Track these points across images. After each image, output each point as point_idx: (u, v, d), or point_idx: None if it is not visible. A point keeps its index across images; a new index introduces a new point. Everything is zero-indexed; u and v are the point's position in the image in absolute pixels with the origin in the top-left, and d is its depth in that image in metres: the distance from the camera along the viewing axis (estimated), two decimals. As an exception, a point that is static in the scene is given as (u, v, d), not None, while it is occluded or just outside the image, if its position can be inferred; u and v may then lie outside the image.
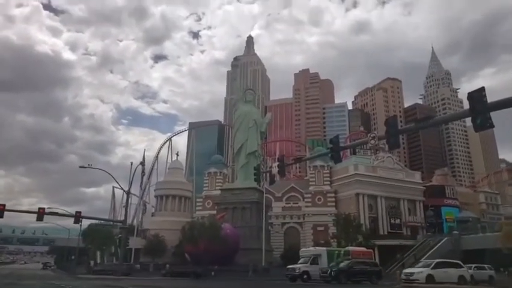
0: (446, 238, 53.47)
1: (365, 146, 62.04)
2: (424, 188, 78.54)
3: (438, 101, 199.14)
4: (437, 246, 51.31)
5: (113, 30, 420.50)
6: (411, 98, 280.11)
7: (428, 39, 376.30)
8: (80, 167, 43.65)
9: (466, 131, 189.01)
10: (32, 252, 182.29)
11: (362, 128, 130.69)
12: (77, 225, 54.92)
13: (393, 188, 72.74)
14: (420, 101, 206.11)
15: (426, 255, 47.82)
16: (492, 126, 12.81)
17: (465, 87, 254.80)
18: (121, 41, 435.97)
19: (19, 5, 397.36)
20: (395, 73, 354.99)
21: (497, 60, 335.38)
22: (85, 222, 68.10)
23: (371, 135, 18.99)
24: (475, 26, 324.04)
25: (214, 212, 66.64)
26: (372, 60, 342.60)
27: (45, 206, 42.59)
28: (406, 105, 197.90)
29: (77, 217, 42.39)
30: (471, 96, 13.05)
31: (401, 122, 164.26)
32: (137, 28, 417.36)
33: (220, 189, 72.27)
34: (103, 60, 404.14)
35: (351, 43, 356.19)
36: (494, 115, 12.82)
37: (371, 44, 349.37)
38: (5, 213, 35.65)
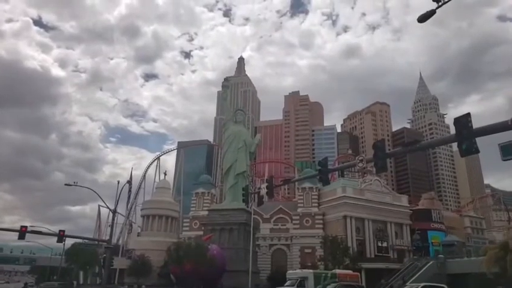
0: (431, 262, 53.49)
1: (353, 168, 62.47)
2: (411, 211, 78.95)
3: (425, 126, 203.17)
4: (423, 269, 51.24)
5: (104, 48, 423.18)
6: (399, 122, 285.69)
7: (416, 65, 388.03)
8: (66, 184, 42.92)
9: (452, 156, 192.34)
10: (13, 271, 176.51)
11: (350, 151, 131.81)
12: (61, 244, 53.63)
13: (381, 211, 72.99)
14: (408, 125, 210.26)
15: (412, 279, 47.67)
16: (477, 151, 13.18)
17: (452, 112, 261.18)
18: (111, 59, 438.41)
19: (9, 20, 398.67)
20: (383, 97, 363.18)
21: (483, 87, 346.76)
22: (69, 242, 66.62)
23: (359, 158, 19.27)
24: (462, 54, 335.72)
25: (201, 232, 65.74)
26: (361, 84, 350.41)
27: (28, 224, 41.70)
28: (394, 129, 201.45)
29: (61, 236, 41.50)
30: (457, 121, 13.45)
31: (388, 145, 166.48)
32: (128, 46, 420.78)
33: (208, 210, 71.55)
34: (92, 78, 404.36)
35: (341, 67, 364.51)
36: (480, 141, 13.22)
37: (360, 68, 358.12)
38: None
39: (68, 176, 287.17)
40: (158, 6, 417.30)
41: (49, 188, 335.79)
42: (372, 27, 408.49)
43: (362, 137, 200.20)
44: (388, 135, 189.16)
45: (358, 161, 19.07)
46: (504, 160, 12.59)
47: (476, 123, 13.30)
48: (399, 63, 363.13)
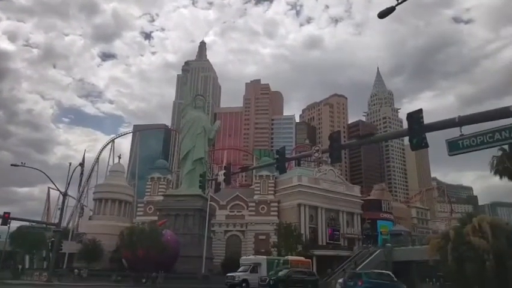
0: (379, 250, 56.30)
1: (309, 158, 64.04)
2: (362, 201, 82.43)
3: (380, 119, 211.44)
4: (371, 257, 53.81)
5: (59, 23, 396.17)
6: (355, 115, 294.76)
7: (375, 59, 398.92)
8: (12, 165, 40.49)
9: (403, 149, 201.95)
10: None
11: (307, 141, 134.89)
12: (5, 227, 50.85)
13: (334, 200, 75.58)
14: (363, 118, 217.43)
15: (360, 266, 49.95)
16: (427, 146, 13.80)
17: (406, 108, 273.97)
18: (67, 35, 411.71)
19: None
20: (342, 90, 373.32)
21: (435, 85, 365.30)
22: (15, 224, 63.10)
23: (315, 148, 19.61)
24: (418, 51, 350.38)
25: (156, 218, 64.65)
26: (321, 76, 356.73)
27: (-31, 205, 38.91)
28: (350, 121, 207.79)
29: (5, 218, 39.63)
30: (410, 116, 13.98)
31: (344, 137, 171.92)
32: (85, 23, 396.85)
33: (163, 195, 70.41)
34: (45, 54, 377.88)
35: (303, 58, 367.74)
36: (430, 136, 13.83)
37: (321, 60, 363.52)
38: None
39: (16, 156, 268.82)
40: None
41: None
42: (335, 20, 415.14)
43: (319, 128, 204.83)
44: (344, 127, 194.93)
45: (314, 151, 19.41)
46: (450, 155, 13.29)
47: (428, 119, 13.88)
48: (359, 57, 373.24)
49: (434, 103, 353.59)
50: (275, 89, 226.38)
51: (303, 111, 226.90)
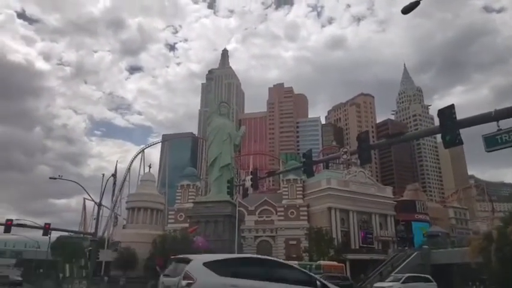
0: (416, 252, 54.38)
1: (337, 160, 62.91)
2: (395, 202, 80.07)
3: (409, 117, 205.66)
4: (407, 260, 52.03)
5: (89, 40, 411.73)
6: (383, 114, 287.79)
7: (401, 56, 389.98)
8: (51, 178, 42.48)
9: (436, 147, 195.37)
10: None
11: (334, 143, 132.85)
12: (46, 238, 52.98)
13: (365, 202, 73.78)
14: (392, 117, 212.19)
15: (396, 270, 48.37)
16: (461, 143, 13.10)
17: (437, 104, 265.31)
18: (96, 51, 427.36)
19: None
20: (368, 89, 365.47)
21: (468, 78, 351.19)
22: (55, 235, 65.70)
23: (343, 150, 19.14)
24: (447, 45, 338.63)
25: (187, 225, 65.33)
26: (346, 75, 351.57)
27: (14, 218, 40.93)
28: (378, 120, 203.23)
29: (46, 229, 41.14)
30: (441, 113, 13.35)
31: (373, 137, 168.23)
32: (113, 39, 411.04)
33: (193, 202, 71.06)
34: (77, 71, 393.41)
35: (326, 59, 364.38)
36: (464, 132, 13.12)
37: (345, 60, 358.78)
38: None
39: (53, 169, 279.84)
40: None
41: (34, 181, 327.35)
42: (357, 19, 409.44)
43: (346, 129, 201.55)
44: (372, 127, 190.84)
45: (342, 152, 18.96)
46: (488, 151, 12.54)
47: (461, 115, 13.20)
48: (384, 55, 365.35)
49: (467, 98, 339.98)
50: (299, 92, 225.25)
51: (329, 112, 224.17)
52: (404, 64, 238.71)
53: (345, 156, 18.85)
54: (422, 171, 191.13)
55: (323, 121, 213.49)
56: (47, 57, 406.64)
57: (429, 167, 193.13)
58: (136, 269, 66.45)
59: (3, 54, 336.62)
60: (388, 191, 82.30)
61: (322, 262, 45.27)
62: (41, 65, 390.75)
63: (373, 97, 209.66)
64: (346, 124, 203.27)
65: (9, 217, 41.18)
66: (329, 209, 69.78)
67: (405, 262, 51.45)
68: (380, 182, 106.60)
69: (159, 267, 53.65)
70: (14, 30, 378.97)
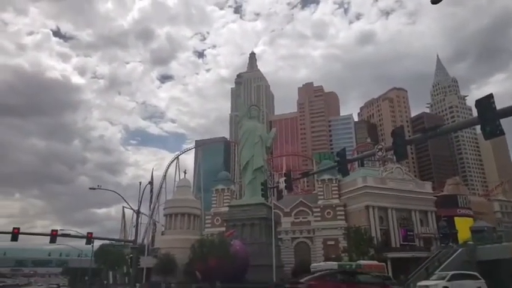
0: (460, 249, 52.14)
1: (373, 157, 61.64)
2: (435, 198, 77.22)
3: (446, 109, 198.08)
4: (451, 257, 49.99)
5: (120, 53, 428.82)
6: (418, 108, 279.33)
7: (433, 47, 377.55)
8: (90, 188, 44.18)
9: (476, 139, 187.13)
10: (46, 274, 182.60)
11: (369, 140, 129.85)
12: (89, 246, 55.01)
13: (404, 199, 71.63)
14: (427, 110, 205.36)
15: (440, 267, 46.58)
16: (502, 133, 12.53)
17: (474, 94, 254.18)
18: (128, 63, 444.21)
19: (30, 33, 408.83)
20: (400, 83, 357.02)
21: (507, 65, 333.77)
22: (97, 243, 68.36)
23: (378, 147, 18.79)
24: (482, 32, 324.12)
25: (223, 229, 66.11)
26: (377, 71, 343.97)
27: (58, 228, 43.03)
28: (413, 114, 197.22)
29: (89, 238, 42.74)
30: (479, 103, 12.85)
31: (408, 132, 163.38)
32: (143, 50, 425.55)
33: (228, 206, 71.79)
34: (110, 83, 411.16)
35: (355, 55, 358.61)
36: (506, 121, 12.56)
37: (375, 55, 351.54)
38: (20, 235, 35.98)
39: (93, 180, 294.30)
40: (169, 8, 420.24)
41: (75, 192, 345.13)
42: (386, 13, 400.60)
43: (380, 125, 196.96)
44: (407, 121, 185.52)
45: (377, 149, 18.61)
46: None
47: (501, 104, 12.65)
48: (416, 47, 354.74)
49: (507, 85, 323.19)
50: (329, 90, 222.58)
51: (361, 109, 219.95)
52: (437, 55, 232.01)
53: (380, 153, 18.48)
54: (463, 164, 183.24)
55: (356, 118, 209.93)
56: (82, 71, 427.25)
57: (469, 159, 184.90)
58: (175, 275, 67.91)
59: (41, 72, 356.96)
60: (427, 186, 79.50)
61: (362, 262, 44.34)
62: (76, 79, 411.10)
63: (406, 91, 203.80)
64: (380, 120, 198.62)
65: (54, 227, 43.32)
66: (367, 207, 68.36)
67: (449, 259, 49.45)
68: (418, 178, 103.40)
69: (199, 272, 54.68)
70: (50, 48, 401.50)
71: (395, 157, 18.77)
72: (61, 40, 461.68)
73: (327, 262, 45.50)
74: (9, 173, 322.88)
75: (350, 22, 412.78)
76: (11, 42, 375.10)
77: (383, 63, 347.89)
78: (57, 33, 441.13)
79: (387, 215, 69.58)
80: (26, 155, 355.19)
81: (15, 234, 35.76)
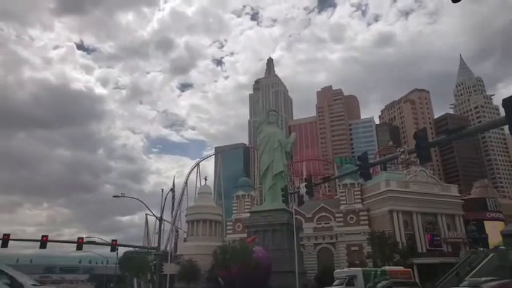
0: (492, 254, 50.18)
1: (395, 161, 60.27)
2: (462, 201, 74.84)
3: (471, 110, 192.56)
4: (483, 262, 48.16)
5: (141, 63, 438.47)
6: (441, 109, 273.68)
7: (456, 46, 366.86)
8: (114, 196, 44.97)
9: (504, 139, 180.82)
10: (74, 280, 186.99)
11: (391, 143, 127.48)
12: (114, 253, 55.91)
13: (429, 203, 69.69)
14: (451, 111, 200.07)
15: (472, 273, 44.93)
16: (532, 133, 11.99)
17: (502, 93, 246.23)
18: (148, 73, 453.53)
19: (55, 47, 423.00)
20: (422, 84, 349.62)
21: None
22: (121, 250, 69.47)
23: (401, 150, 18.38)
24: (507, 28, 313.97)
25: (245, 235, 65.95)
26: (397, 72, 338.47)
27: (84, 236, 43.81)
28: (436, 116, 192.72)
29: (113, 245, 43.44)
30: (506, 102, 12.36)
31: (431, 133, 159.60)
32: (163, 59, 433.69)
33: (249, 212, 71.72)
34: (132, 93, 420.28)
35: (375, 57, 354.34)
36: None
37: (395, 56, 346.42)
38: (48, 243, 37.01)
39: (117, 188, 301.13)
40: (188, 17, 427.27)
41: (100, 200, 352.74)
42: (405, 13, 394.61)
43: (402, 127, 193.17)
44: (430, 123, 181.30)
45: (400, 152, 18.19)
46: None
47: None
48: (437, 47, 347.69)
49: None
50: (349, 93, 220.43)
51: (382, 111, 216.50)
52: (460, 54, 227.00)
53: (402, 156, 18.07)
54: (491, 165, 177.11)
55: (377, 121, 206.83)
56: (104, 82, 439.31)
57: (498, 160, 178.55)
58: (198, 281, 68.12)
59: (66, 84, 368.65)
60: (453, 189, 77.14)
61: (387, 268, 43.28)
62: (99, 90, 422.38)
63: (428, 92, 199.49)
64: (402, 122, 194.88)
65: (81, 235, 44.36)
66: (390, 212, 66.90)
67: (480, 264, 47.65)
68: (443, 181, 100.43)
69: (221, 278, 54.68)
70: (74, 61, 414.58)
71: (418, 160, 18.27)
72: (84, 53, 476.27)
73: (351, 268, 44.61)
74: (38, 183, 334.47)
75: (368, 24, 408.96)
76: (38, 57, 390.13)
77: (403, 65, 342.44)
78: (80, 46, 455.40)
79: (412, 219, 67.87)
80: (53, 165, 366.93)
81: (43, 242, 36.83)
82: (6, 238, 35.57)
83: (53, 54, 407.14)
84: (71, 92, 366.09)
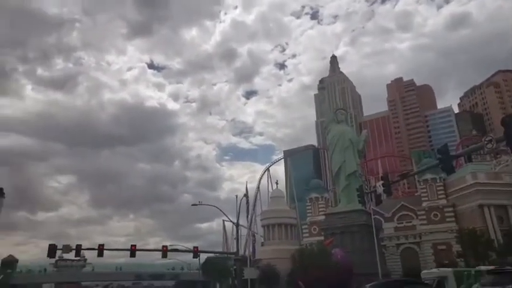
0: None
1: (481, 151, 55.22)
2: None
3: None
4: None
5: (207, 75, 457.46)
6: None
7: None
8: (193, 204, 47.57)
9: None
10: (162, 286, 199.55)
11: (474, 132, 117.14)
12: (196, 260, 58.88)
13: (526, 194, 62.63)
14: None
15: None
16: None
17: None
18: (214, 84, 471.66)
19: (129, 69, 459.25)
20: (506, 64, 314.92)
21: None
22: (202, 256, 72.70)
23: (487, 139, 16.87)
24: None
25: (322, 237, 65.07)
26: (476, 55, 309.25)
27: (168, 244, 46.52)
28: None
29: (195, 252, 45.63)
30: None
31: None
32: (227, 70, 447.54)
33: (324, 214, 70.62)
34: (202, 105, 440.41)
35: (448, 41, 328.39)
36: None
37: (472, 38, 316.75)
38: (136, 252, 40.18)
39: (194, 196, 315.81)
40: (248, 26, 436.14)
41: (180, 209, 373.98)
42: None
43: (486, 114, 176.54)
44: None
45: (486, 141, 16.71)
46: None
47: None
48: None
49: None
50: (421, 83, 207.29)
51: (461, 99, 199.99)
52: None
53: (489, 146, 16.56)
54: None
55: (456, 110, 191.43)
56: (175, 97, 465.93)
57: None
58: (279, 285, 68.58)
59: (141, 103, 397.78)
60: (555, 178, 68.42)
61: (482, 267, 39.61)
62: (172, 105, 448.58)
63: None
64: (485, 109, 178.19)
65: (165, 243, 47.24)
66: (480, 206, 61.33)
67: None
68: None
69: (301, 282, 54.48)
70: (147, 80, 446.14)
71: (509, 148, 16.64)
72: (155, 71, 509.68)
73: (441, 269, 41.55)
74: (125, 197, 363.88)
75: (439, 7, 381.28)
76: (115, 79, 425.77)
77: (482, 46, 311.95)
78: (151, 65, 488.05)
79: (507, 213, 61.52)
80: (136, 179, 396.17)
81: (133, 251, 39.88)
82: (101, 248, 39.06)
83: (128, 75, 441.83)
84: (146, 109, 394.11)
